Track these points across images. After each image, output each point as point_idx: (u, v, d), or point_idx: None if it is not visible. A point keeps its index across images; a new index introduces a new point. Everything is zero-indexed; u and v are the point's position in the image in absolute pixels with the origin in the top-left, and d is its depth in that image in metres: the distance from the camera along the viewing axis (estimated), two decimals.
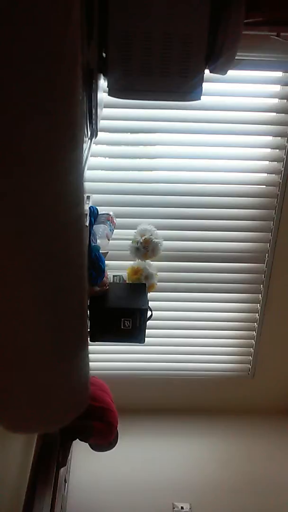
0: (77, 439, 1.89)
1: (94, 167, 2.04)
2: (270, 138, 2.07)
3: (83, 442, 1.90)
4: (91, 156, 1.49)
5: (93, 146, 1.33)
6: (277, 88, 1.98)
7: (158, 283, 2.07)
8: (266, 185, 2.14)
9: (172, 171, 2.08)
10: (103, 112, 1.73)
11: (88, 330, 1.63)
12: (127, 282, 2.00)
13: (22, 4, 0.45)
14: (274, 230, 2.19)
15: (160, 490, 2.15)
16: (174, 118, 1.96)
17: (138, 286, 1.88)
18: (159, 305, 2.25)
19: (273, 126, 2.03)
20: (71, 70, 0.49)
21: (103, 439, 1.87)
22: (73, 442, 1.97)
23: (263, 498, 2.15)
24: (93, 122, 1.10)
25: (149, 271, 1.99)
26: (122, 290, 1.85)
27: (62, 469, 1.92)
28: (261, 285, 2.32)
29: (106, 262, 1.66)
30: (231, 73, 1.15)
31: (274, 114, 2.02)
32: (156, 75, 1.04)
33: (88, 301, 1.63)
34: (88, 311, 1.63)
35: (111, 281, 1.93)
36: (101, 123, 1.75)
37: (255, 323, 2.41)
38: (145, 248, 1.96)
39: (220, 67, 1.07)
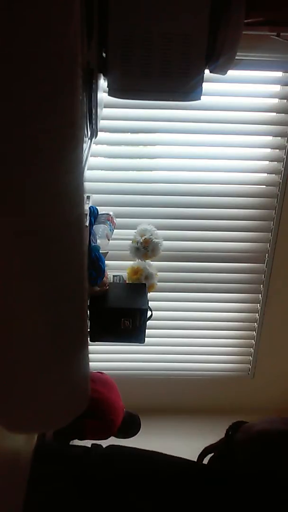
0: (74, 439, 1.84)
1: (94, 167, 2.04)
2: (270, 138, 2.07)
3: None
4: (91, 156, 1.49)
5: (93, 146, 1.33)
6: (277, 88, 1.98)
7: (158, 283, 2.07)
8: (266, 185, 2.14)
9: (172, 171, 2.08)
10: (103, 112, 1.73)
11: (88, 330, 1.63)
12: (127, 282, 2.00)
13: (22, 3, 0.45)
14: (274, 230, 2.19)
15: None
16: (174, 118, 1.96)
17: (138, 286, 1.88)
18: (159, 305, 2.25)
19: (273, 126, 2.03)
20: (71, 70, 0.49)
21: (100, 435, 1.80)
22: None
23: None
24: (93, 122, 1.09)
25: (149, 271, 1.99)
26: (122, 290, 1.85)
27: None
28: (261, 285, 2.32)
29: (106, 262, 1.66)
30: (231, 73, 1.14)
31: (274, 114, 2.02)
32: (156, 75, 1.04)
33: (88, 301, 1.63)
34: (88, 311, 1.63)
35: (111, 281, 1.93)
36: (101, 123, 1.75)
37: (255, 323, 2.41)
38: (145, 248, 1.96)
39: (220, 67, 1.07)
